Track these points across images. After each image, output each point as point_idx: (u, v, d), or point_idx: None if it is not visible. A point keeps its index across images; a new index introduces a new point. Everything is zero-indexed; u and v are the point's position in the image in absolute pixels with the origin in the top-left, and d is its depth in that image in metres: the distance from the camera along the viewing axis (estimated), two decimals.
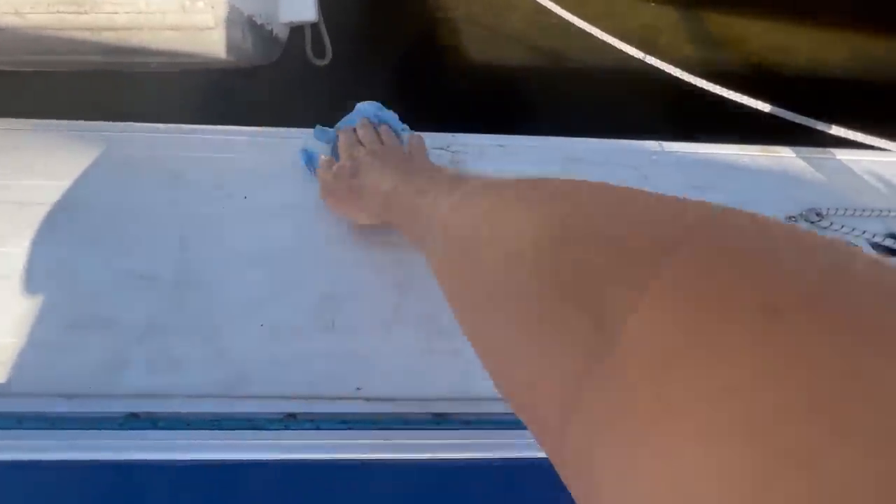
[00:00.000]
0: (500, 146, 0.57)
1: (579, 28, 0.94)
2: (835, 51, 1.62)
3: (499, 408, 0.38)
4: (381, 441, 0.36)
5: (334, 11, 0.99)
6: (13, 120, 0.52)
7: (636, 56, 0.85)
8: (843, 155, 0.59)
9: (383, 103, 0.54)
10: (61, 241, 0.44)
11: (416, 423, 0.37)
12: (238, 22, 0.78)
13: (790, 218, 0.53)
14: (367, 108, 0.53)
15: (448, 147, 0.55)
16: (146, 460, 0.34)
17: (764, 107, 0.68)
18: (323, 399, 0.38)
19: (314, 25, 0.95)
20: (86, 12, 0.73)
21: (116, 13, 0.73)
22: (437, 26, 1.52)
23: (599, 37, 0.91)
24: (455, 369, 0.40)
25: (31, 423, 0.34)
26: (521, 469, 0.36)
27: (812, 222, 0.52)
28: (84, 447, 0.33)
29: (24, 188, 0.47)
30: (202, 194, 0.48)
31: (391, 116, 0.53)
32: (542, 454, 0.16)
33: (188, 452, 0.34)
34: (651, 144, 0.58)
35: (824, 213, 0.53)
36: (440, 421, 0.38)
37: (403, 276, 0.45)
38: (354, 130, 0.50)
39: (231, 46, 0.79)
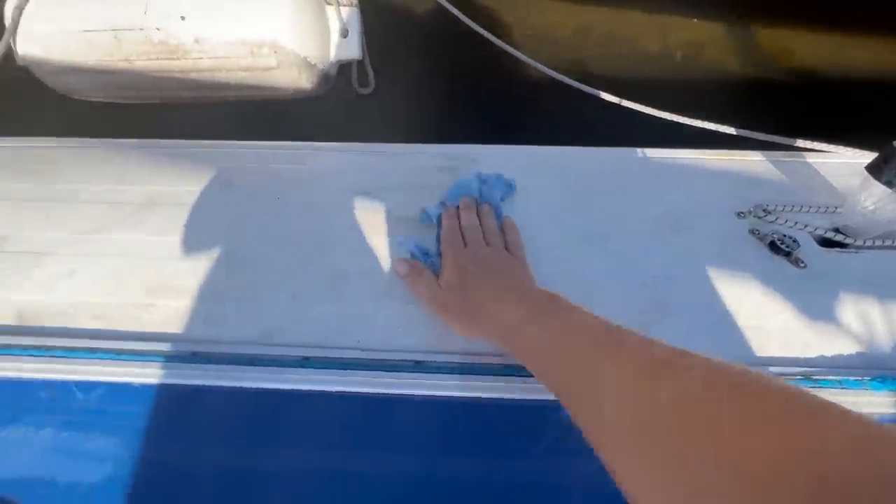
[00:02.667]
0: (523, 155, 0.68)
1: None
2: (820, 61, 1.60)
3: (464, 359, 0.48)
4: (373, 380, 0.47)
5: (376, 48, 1.12)
6: (123, 140, 0.69)
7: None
8: (789, 157, 0.65)
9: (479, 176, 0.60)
10: (152, 230, 0.59)
11: (400, 367, 0.48)
12: (296, 63, 0.93)
13: (740, 214, 0.59)
14: (469, 183, 0.59)
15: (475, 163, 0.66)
16: (205, 385, 0.46)
17: (730, 130, 0.75)
18: (330, 348, 0.49)
19: (360, 62, 1.10)
20: (178, 58, 0.90)
21: (201, 58, 0.90)
22: (463, 54, 1.65)
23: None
24: (431, 331, 0.50)
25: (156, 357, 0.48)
26: (484, 407, 0.46)
27: (759, 217, 0.58)
28: (159, 375, 0.47)
29: (135, 192, 0.63)
30: (252, 194, 0.62)
31: (492, 189, 0.59)
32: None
33: (233, 382, 0.46)
34: (616, 151, 0.67)
35: (771, 209, 0.58)
36: (419, 367, 0.48)
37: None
38: (458, 214, 0.55)
39: (290, 82, 0.94)
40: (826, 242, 0.57)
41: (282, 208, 0.61)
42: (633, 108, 0.93)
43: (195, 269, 0.55)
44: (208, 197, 0.62)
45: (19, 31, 0.91)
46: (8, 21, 0.91)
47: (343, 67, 1.10)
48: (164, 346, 0.49)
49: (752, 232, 0.57)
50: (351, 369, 0.47)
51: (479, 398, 0.46)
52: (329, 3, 0.98)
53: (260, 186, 0.64)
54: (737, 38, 1.73)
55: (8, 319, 0.51)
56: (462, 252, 0.51)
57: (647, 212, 0.60)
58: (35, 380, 0.47)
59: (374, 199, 0.62)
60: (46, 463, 0.45)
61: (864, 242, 0.55)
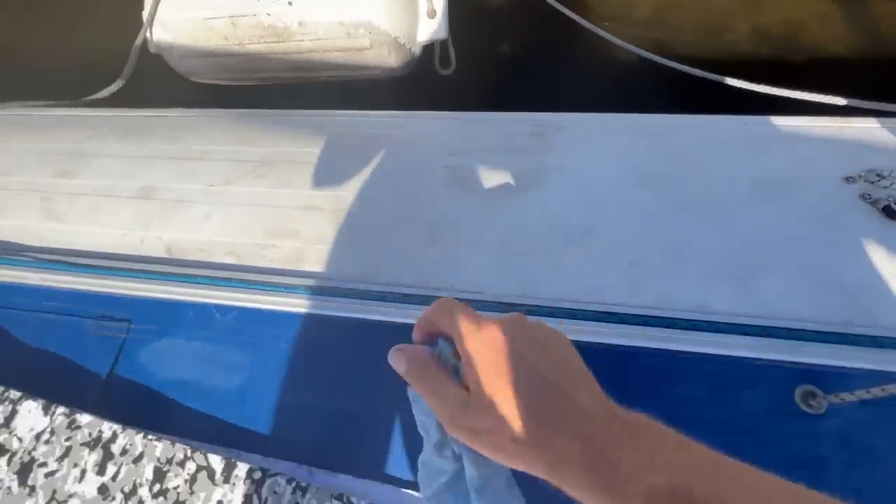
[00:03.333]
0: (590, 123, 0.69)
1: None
2: None
3: (554, 303, 0.50)
4: None
5: (456, 30, 1.16)
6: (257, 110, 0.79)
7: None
8: None
9: None
10: (271, 184, 0.66)
11: (495, 307, 0.51)
12: (386, 43, 0.99)
13: (849, 179, 0.56)
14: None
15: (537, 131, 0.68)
16: (318, 314, 0.53)
17: (838, 101, 0.70)
18: (429, 288, 0.53)
19: (443, 42, 1.14)
20: (283, 41, 1.00)
21: (303, 41, 0.99)
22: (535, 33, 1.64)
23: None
24: (518, 278, 0.53)
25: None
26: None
27: (871, 182, 0.55)
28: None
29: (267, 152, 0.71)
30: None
31: None
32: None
33: (340, 312, 0.52)
34: (712, 118, 0.65)
35: (886, 174, 0.55)
36: (510, 308, 0.51)
37: (488, 214, 0.59)
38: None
39: (380, 62, 1.01)
40: None
41: (382, 166, 0.67)
42: (728, 82, 0.89)
43: (307, 217, 0.62)
44: (317, 156, 0.69)
45: (155, 21, 1.04)
46: (146, 12, 1.05)
47: (426, 48, 1.15)
48: (284, 279, 0.56)
49: (862, 196, 0.54)
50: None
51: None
52: None
53: (362, 148, 0.69)
54: (840, 14, 1.57)
55: (160, 252, 0.61)
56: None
57: (745, 176, 0.58)
58: (183, 301, 0.56)
59: (467, 159, 0.65)
60: (191, 368, 0.53)
61: None
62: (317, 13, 0.96)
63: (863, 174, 0.55)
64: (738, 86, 0.87)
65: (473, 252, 0.56)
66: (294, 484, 0.45)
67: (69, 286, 0.59)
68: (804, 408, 0.43)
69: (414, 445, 0.46)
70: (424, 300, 0.52)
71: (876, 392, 0.37)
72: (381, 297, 0.53)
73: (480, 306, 0.51)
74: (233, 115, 0.79)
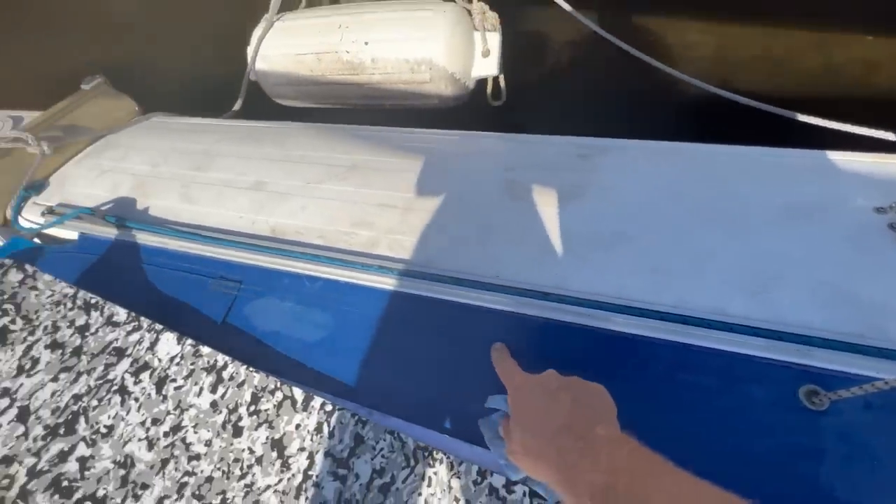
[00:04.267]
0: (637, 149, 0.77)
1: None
2: None
3: (590, 296, 0.58)
4: (505, 299, 0.59)
5: (509, 63, 1.28)
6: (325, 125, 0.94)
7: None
8: None
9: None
10: (354, 184, 0.80)
11: (533, 295, 0.60)
12: (444, 77, 1.14)
13: (879, 210, 0.59)
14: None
15: (583, 153, 0.77)
16: (388, 289, 0.64)
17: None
18: (477, 275, 0.63)
19: (495, 77, 1.27)
20: (357, 74, 1.18)
21: (374, 74, 1.17)
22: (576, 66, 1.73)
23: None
24: (554, 273, 0.61)
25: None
26: (610, 339, 0.55)
27: None
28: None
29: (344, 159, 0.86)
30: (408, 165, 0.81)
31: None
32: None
33: (407, 289, 0.63)
34: (750, 149, 0.71)
35: None
36: (547, 297, 0.59)
37: (534, 219, 0.68)
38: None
39: (437, 93, 1.17)
40: None
41: (447, 175, 0.78)
42: (776, 112, 0.93)
43: (382, 212, 0.74)
44: (393, 165, 0.82)
45: (257, 54, 1.27)
46: (251, 48, 1.28)
47: (480, 81, 1.28)
48: (360, 259, 0.68)
49: (891, 226, 0.57)
50: (488, 291, 0.61)
51: (601, 329, 0.56)
52: (476, 29, 1.17)
53: (432, 160, 0.82)
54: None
55: (266, 232, 0.76)
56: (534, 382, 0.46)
57: (776, 200, 0.63)
58: (281, 271, 0.70)
59: (520, 173, 0.75)
60: (284, 322, 0.66)
61: None
62: (387, 51, 1.13)
63: (893, 205, 0.59)
64: (788, 116, 0.91)
65: (519, 249, 0.65)
66: (356, 418, 0.55)
67: (197, 252, 0.75)
68: (807, 404, 0.47)
69: (451, 399, 0.55)
70: (474, 285, 0.62)
71: (879, 385, 0.41)
72: (438, 279, 0.63)
73: (519, 294, 0.60)
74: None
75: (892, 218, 0.58)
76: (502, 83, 1.30)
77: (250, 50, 1.28)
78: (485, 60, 1.21)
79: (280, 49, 1.25)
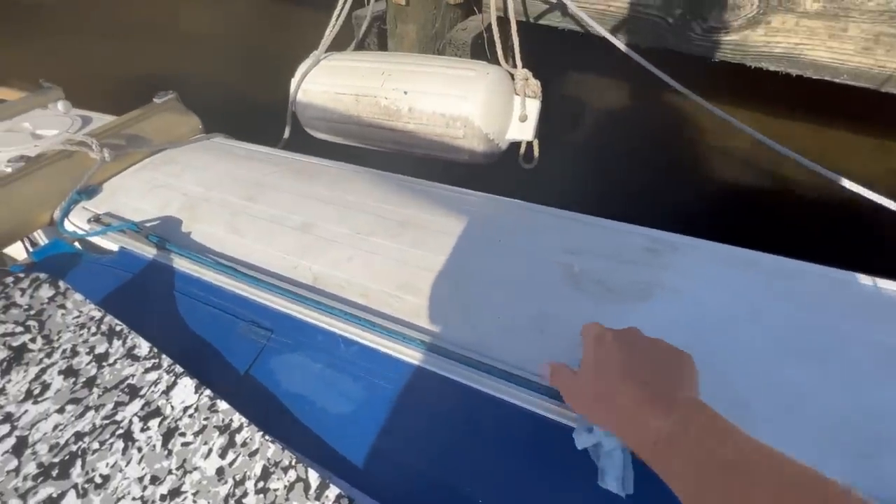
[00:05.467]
0: (697, 248, 0.70)
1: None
2: None
3: None
4: (548, 405, 0.52)
5: (544, 128, 1.26)
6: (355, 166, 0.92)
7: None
8: None
9: None
10: (405, 242, 0.76)
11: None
12: (477, 136, 1.14)
13: None
14: None
15: (651, 247, 0.72)
16: (426, 368, 0.58)
17: None
18: (527, 372, 0.56)
19: (529, 142, 1.26)
20: (393, 120, 1.20)
21: (409, 123, 1.18)
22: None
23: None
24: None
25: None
26: None
27: None
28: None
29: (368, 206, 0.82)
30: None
31: None
32: None
33: (446, 372, 0.57)
34: (859, 276, 0.63)
35: None
36: None
37: (596, 317, 0.62)
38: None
39: (469, 150, 1.18)
40: None
41: (504, 248, 0.73)
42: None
43: (431, 279, 0.69)
44: (448, 227, 0.78)
45: (300, 87, 1.31)
46: (295, 80, 1.33)
47: (514, 144, 1.27)
48: (403, 329, 0.62)
49: None
50: (538, 393, 0.54)
51: None
52: (517, 94, 1.17)
53: (488, 228, 0.77)
54: None
55: (307, 279, 0.72)
56: (610, 336, 0.47)
57: (881, 341, 0.56)
58: (317, 326, 0.65)
59: (582, 259, 0.70)
60: (311, 385, 0.60)
61: None
62: (424, 103, 1.15)
63: None
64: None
65: (576, 350, 0.59)
66: None
67: (233, 289, 0.71)
68: None
69: None
70: (523, 382, 0.55)
71: None
72: (486, 369, 0.57)
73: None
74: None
75: None
76: (536, 148, 1.29)
77: (293, 82, 1.32)
78: (521, 125, 1.21)
79: (322, 86, 1.29)
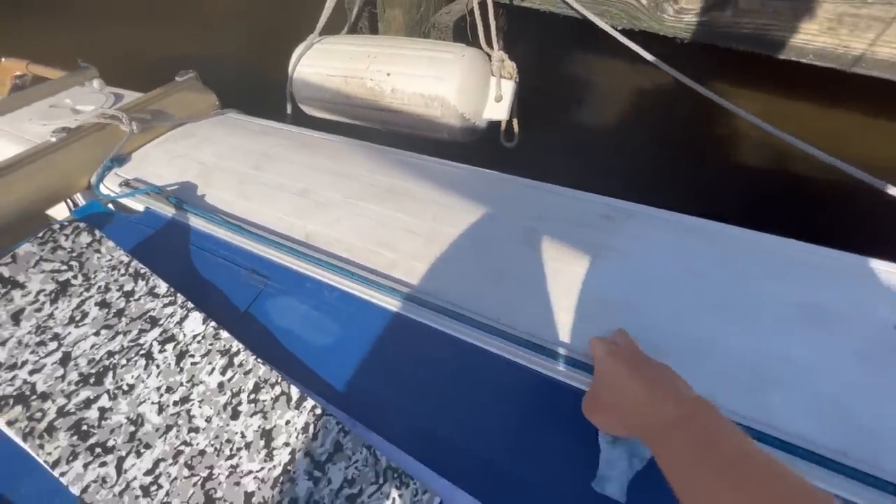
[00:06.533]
0: (661, 219, 0.77)
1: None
2: None
3: (561, 350, 0.59)
4: (498, 344, 0.62)
5: (524, 108, 1.32)
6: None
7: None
8: None
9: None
10: (388, 207, 0.85)
11: (525, 345, 0.62)
12: (454, 116, 1.22)
13: None
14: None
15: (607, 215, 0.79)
16: (397, 312, 0.68)
17: None
18: (482, 316, 0.66)
19: (508, 121, 1.32)
20: (378, 99, 1.30)
21: (392, 102, 1.27)
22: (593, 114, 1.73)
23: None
24: (553, 327, 0.63)
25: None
26: None
27: None
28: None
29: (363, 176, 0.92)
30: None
31: None
32: None
33: (415, 316, 0.67)
34: (791, 242, 0.70)
35: None
36: (543, 350, 0.61)
37: (548, 273, 0.71)
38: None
39: (448, 129, 1.27)
40: None
41: (474, 213, 0.82)
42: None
43: (407, 237, 0.79)
44: (427, 194, 0.87)
45: (296, 69, 1.40)
46: (291, 63, 1.42)
47: (495, 123, 1.34)
48: (379, 279, 0.72)
49: None
50: (488, 333, 0.64)
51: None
52: (493, 75, 1.23)
53: (464, 195, 0.86)
54: None
55: (301, 236, 0.82)
56: (616, 349, 0.52)
57: (793, 298, 0.62)
58: (306, 275, 0.76)
59: (544, 224, 0.78)
60: (297, 323, 0.71)
61: None
62: (405, 84, 1.24)
63: None
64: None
65: (524, 298, 0.67)
66: (340, 426, 0.59)
67: (238, 243, 0.82)
68: None
69: (431, 428, 0.58)
70: (473, 323, 0.65)
71: None
72: (442, 311, 0.67)
73: (513, 341, 0.62)
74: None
75: None
76: (515, 127, 1.35)
77: (290, 64, 1.42)
78: (497, 105, 1.28)
79: (314, 68, 1.40)
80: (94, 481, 0.57)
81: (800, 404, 0.52)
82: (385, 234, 0.80)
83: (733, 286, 0.65)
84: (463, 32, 1.46)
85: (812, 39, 0.97)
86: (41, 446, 0.59)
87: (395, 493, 0.53)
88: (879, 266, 0.66)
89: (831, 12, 0.92)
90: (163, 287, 0.73)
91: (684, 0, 1.10)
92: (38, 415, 0.62)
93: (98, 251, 0.76)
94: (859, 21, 0.90)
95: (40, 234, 0.75)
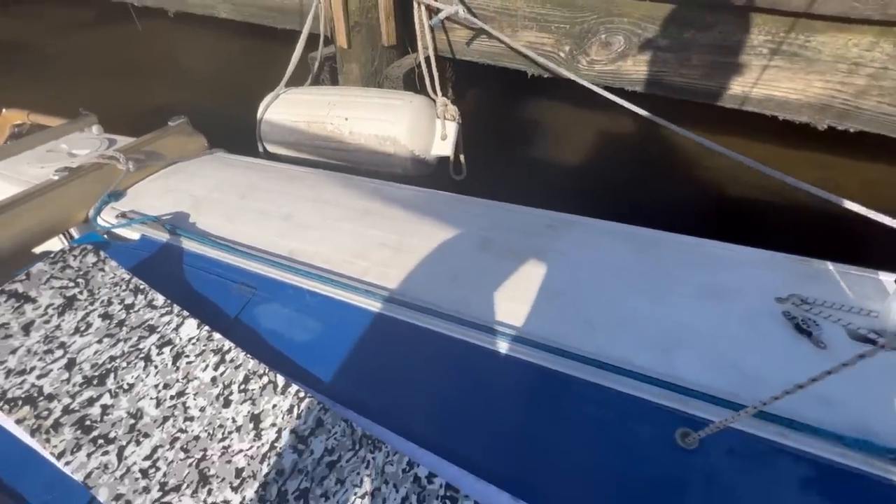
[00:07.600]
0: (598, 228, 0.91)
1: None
2: None
3: (504, 329, 0.70)
4: (475, 335, 0.72)
5: (471, 146, 1.51)
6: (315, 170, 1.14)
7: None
8: (846, 270, 0.73)
9: None
10: (361, 225, 0.97)
11: (482, 329, 0.72)
12: (405, 153, 1.41)
13: (779, 299, 0.71)
14: None
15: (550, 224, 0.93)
16: (373, 311, 0.78)
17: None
18: (442, 308, 0.77)
19: (455, 156, 1.51)
20: (337, 140, 1.47)
21: (350, 143, 1.45)
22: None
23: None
24: (506, 313, 0.74)
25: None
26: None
27: (796, 304, 0.69)
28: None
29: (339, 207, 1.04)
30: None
31: None
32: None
33: (391, 313, 0.77)
34: (701, 241, 0.84)
35: (810, 301, 0.69)
36: (497, 333, 0.72)
37: (499, 271, 0.83)
38: None
39: (400, 165, 1.44)
40: (860, 337, 0.64)
41: (436, 228, 0.94)
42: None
43: (378, 249, 0.90)
44: (398, 214, 0.99)
45: (264, 116, 1.57)
46: (260, 111, 1.61)
47: (445, 158, 1.53)
48: (356, 284, 0.83)
49: (784, 314, 0.68)
50: (446, 320, 0.74)
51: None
52: (438, 118, 1.43)
53: (427, 215, 0.99)
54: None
55: (285, 252, 0.93)
56: None
57: (697, 280, 0.75)
58: (288, 284, 0.86)
59: (496, 233, 0.91)
60: (282, 324, 0.80)
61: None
62: (361, 127, 1.43)
63: (789, 296, 0.70)
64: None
65: (479, 292, 0.79)
66: (321, 406, 0.68)
67: (228, 261, 0.92)
68: (680, 444, 0.57)
69: (396, 401, 0.67)
70: (435, 314, 0.76)
71: (736, 416, 0.51)
72: (411, 305, 0.77)
73: (471, 326, 0.73)
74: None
75: (787, 307, 0.69)
76: (463, 162, 1.56)
77: (259, 112, 1.62)
78: (443, 143, 1.50)
79: (281, 115, 1.61)
80: (97, 468, 0.64)
81: (699, 359, 0.64)
82: (358, 247, 0.91)
83: (650, 274, 0.78)
84: (412, 82, 1.69)
85: (694, 83, 1.21)
86: (48, 440, 0.66)
87: (369, 457, 0.62)
88: (769, 255, 0.80)
89: (706, 60, 1.16)
90: (160, 300, 0.82)
91: (594, 53, 1.34)
92: (45, 413, 0.68)
93: (102, 269, 0.85)
94: (729, 66, 1.13)
95: (52, 255, 0.83)
